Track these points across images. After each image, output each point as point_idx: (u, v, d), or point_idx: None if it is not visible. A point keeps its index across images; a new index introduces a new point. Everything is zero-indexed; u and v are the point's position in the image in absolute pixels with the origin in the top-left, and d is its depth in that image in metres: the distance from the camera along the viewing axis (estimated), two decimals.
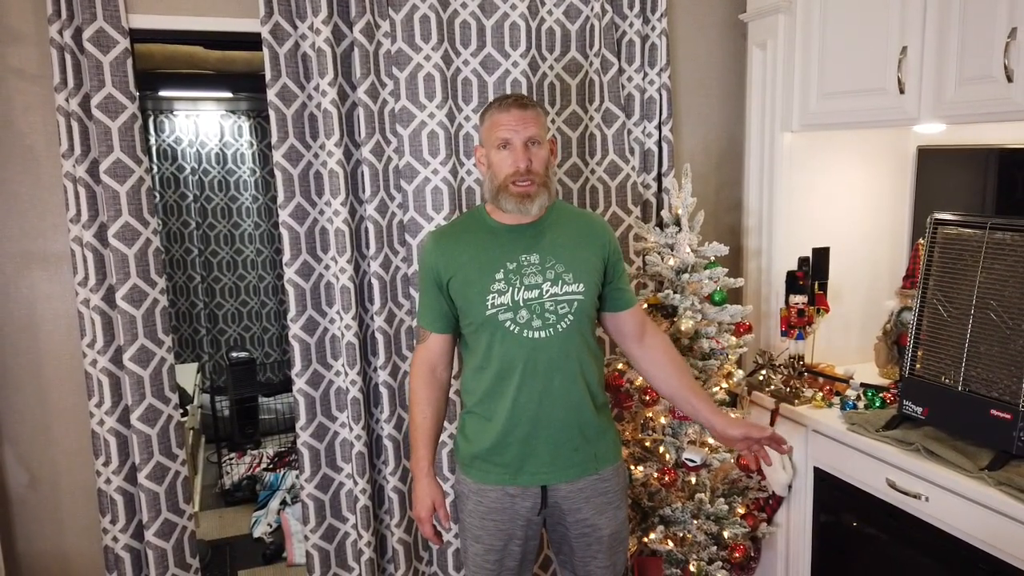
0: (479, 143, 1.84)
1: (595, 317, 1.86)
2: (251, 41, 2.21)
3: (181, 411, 2.29)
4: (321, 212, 2.31)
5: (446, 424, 2.40)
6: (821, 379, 2.42)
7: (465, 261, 1.78)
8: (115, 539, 2.22)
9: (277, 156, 2.23)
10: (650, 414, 2.31)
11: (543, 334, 1.75)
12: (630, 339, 1.92)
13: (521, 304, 1.74)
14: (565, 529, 1.87)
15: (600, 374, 1.88)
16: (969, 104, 1.91)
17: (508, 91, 2.35)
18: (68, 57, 2.01)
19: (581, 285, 1.78)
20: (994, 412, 1.77)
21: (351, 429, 2.33)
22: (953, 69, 1.94)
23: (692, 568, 2.28)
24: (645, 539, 2.29)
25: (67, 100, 2.03)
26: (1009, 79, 1.77)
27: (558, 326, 1.76)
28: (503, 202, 1.74)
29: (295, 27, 2.20)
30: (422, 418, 1.85)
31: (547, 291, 1.75)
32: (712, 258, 2.30)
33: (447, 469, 2.44)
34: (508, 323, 1.74)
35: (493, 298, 1.74)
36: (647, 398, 2.23)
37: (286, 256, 2.27)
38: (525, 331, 1.75)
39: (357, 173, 2.32)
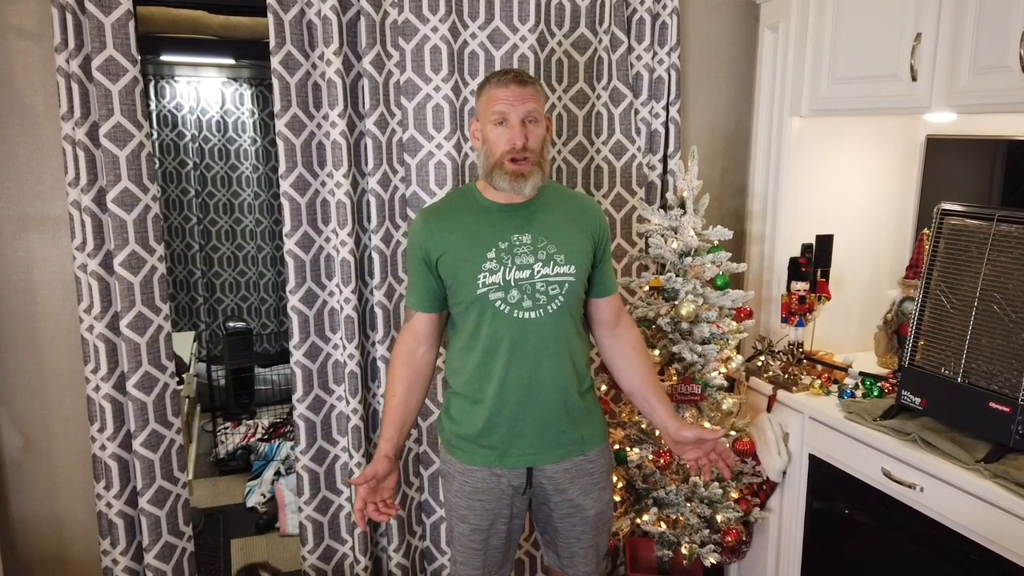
0: (474, 117, 1.81)
1: (584, 299, 1.85)
2: (255, 6, 2.18)
3: (177, 379, 2.28)
4: (323, 183, 2.29)
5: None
6: (820, 367, 2.42)
7: (456, 239, 1.75)
8: (109, 505, 2.22)
9: (279, 125, 2.20)
10: None
11: (533, 315, 1.74)
12: (604, 327, 1.91)
13: (512, 284, 1.73)
14: (550, 510, 1.87)
15: (586, 356, 1.87)
16: (982, 94, 1.89)
17: (516, 66, 2.32)
18: (69, 16, 1.97)
19: (572, 267, 1.76)
20: (992, 405, 1.77)
21: (348, 402, 2.33)
22: (967, 57, 1.91)
23: (684, 551, 2.29)
24: (638, 520, 2.30)
25: (67, 61, 2.00)
26: None
27: (548, 307, 1.74)
28: (497, 180, 1.71)
29: None
30: (391, 395, 1.83)
31: (538, 272, 1.74)
32: (716, 242, 2.28)
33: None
34: (499, 303, 1.73)
35: (484, 277, 1.72)
36: None
37: (286, 227, 2.25)
38: (515, 311, 1.73)
39: (360, 145, 2.29)
